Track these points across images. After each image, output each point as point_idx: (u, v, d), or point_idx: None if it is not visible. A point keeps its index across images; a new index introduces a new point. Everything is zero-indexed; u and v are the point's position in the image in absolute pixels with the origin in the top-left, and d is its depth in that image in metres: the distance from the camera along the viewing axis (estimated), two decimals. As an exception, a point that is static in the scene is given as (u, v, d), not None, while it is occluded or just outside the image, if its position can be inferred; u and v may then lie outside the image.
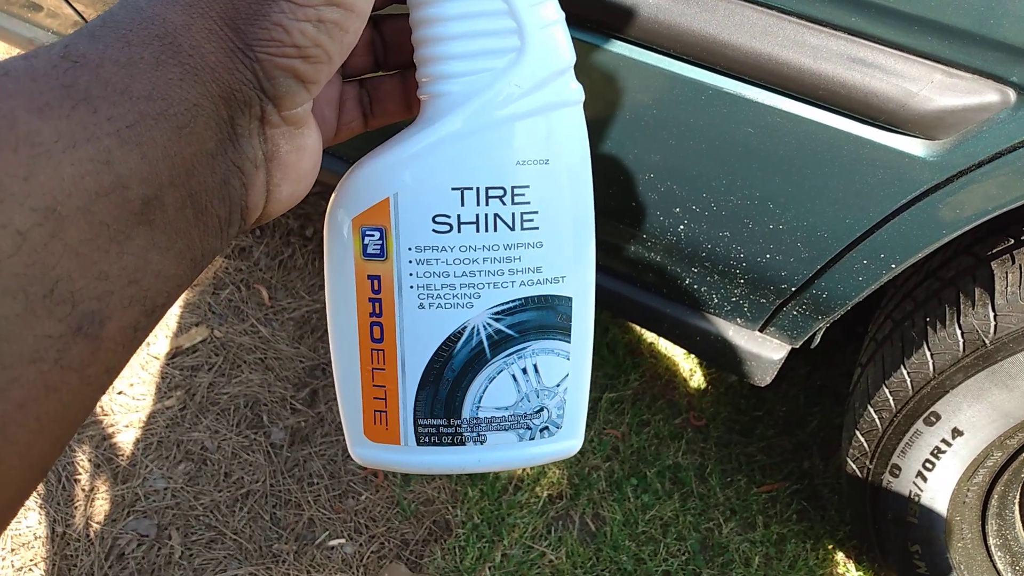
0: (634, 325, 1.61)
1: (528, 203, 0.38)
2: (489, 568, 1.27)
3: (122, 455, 1.38)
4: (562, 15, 0.38)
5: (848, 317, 1.00)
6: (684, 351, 1.57)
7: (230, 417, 1.44)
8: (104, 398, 1.45)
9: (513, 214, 0.38)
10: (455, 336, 0.39)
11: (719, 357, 1.12)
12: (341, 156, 1.21)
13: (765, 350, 1.08)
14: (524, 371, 0.40)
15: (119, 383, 1.48)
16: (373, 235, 0.38)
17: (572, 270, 0.40)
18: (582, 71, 0.39)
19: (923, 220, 0.79)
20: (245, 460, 1.39)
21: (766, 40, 0.74)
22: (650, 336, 1.62)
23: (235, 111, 0.30)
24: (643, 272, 1.09)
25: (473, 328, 0.39)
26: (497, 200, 0.37)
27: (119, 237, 0.26)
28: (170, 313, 1.59)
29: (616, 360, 1.57)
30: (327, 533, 1.30)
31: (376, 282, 0.39)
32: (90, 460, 1.37)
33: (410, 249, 0.38)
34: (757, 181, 0.85)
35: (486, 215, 0.37)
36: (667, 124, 0.85)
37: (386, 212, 0.38)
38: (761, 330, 1.08)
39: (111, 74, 0.26)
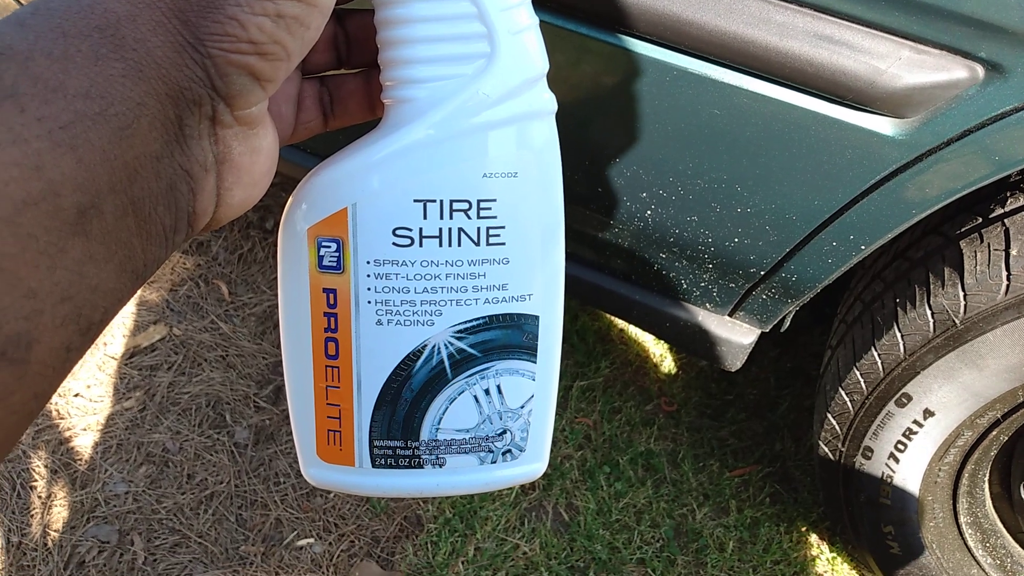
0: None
1: (495, 217, 0.35)
2: (462, 562, 1.25)
3: (80, 459, 1.34)
4: (535, 20, 0.35)
5: (817, 299, 0.99)
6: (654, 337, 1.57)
7: (192, 417, 1.40)
8: (60, 401, 1.40)
9: (478, 228, 0.35)
10: (414, 354, 0.37)
11: (689, 343, 1.11)
12: (304, 147, 1.17)
13: (735, 335, 1.06)
14: (487, 392, 0.38)
15: (76, 385, 1.43)
16: (329, 246, 0.36)
17: (539, 287, 0.38)
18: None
19: (892, 200, 0.78)
20: (208, 461, 1.35)
21: (731, 18, 0.72)
22: (620, 323, 1.61)
23: (183, 110, 0.27)
24: (611, 259, 1.08)
25: (434, 347, 0.37)
26: (462, 214, 0.35)
27: (50, 250, 0.23)
28: (126, 311, 1.55)
29: (586, 348, 1.55)
30: (295, 533, 1.27)
31: (332, 296, 0.36)
32: (46, 466, 1.32)
33: (368, 263, 0.35)
34: (724, 164, 0.83)
35: (450, 229, 0.35)
36: (631, 106, 0.83)
37: (344, 223, 0.35)
38: (731, 315, 1.06)
39: (43, 68, 0.24)
